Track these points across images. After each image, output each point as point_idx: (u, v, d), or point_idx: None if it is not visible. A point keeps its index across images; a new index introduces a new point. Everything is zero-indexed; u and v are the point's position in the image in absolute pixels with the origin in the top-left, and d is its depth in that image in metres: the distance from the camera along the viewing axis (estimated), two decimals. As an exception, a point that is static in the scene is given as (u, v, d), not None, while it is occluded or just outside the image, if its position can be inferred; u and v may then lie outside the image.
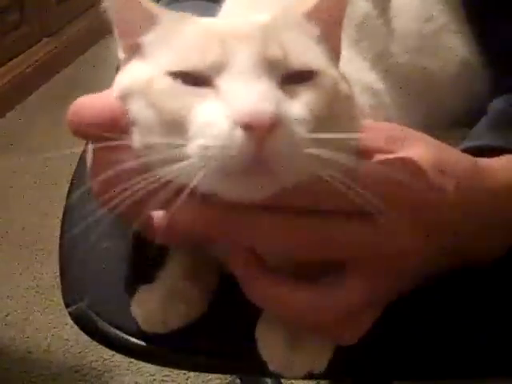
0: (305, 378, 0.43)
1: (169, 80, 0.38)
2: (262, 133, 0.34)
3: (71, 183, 0.64)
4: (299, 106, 0.37)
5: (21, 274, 1.45)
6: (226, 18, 0.54)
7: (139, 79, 0.39)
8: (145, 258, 0.49)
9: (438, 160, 0.42)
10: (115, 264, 0.51)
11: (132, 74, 0.40)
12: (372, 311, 0.42)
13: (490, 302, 0.48)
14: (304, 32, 0.41)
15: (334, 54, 0.43)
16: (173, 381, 1.22)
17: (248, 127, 0.34)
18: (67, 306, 0.50)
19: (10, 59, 2.07)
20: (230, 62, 0.37)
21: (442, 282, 0.45)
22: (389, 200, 0.38)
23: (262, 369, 0.43)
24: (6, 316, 1.35)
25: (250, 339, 0.44)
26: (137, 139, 0.38)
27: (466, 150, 0.48)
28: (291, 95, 0.37)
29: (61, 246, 0.56)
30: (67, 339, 1.28)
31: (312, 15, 0.41)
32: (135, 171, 0.36)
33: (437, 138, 0.56)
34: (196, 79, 0.37)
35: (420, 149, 0.42)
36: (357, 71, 0.52)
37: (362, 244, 0.40)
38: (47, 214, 1.55)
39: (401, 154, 0.41)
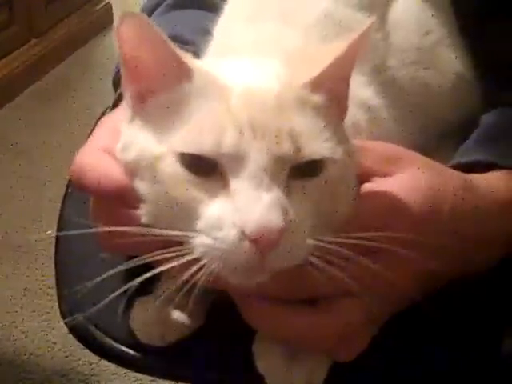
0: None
1: (178, 166, 0.38)
2: (267, 247, 0.36)
3: (66, 190, 0.64)
4: (304, 210, 0.38)
5: (8, 278, 1.44)
6: (224, 38, 0.54)
7: (147, 154, 0.39)
8: (141, 269, 0.49)
9: (433, 182, 0.43)
10: (112, 274, 0.51)
11: (139, 146, 0.40)
12: (370, 329, 0.43)
13: (488, 311, 0.49)
14: (310, 108, 0.40)
15: (341, 112, 0.43)
16: (159, 386, 1.22)
17: (255, 241, 0.36)
18: (64, 316, 0.50)
19: (-1, 59, 2.06)
20: (244, 159, 0.37)
21: (438, 295, 0.45)
22: (388, 229, 0.39)
23: (259, 382, 0.43)
24: (-7, 319, 1.35)
25: (248, 352, 0.44)
26: (144, 215, 0.40)
27: (456, 165, 0.49)
28: (297, 194, 0.38)
29: (56, 255, 0.56)
30: (54, 343, 1.28)
31: (318, 83, 0.41)
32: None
33: (430, 149, 0.57)
34: (207, 163, 0.38)
35: (414, 169, 0.44)
36: (354, 87, 0.52)
37: (374, 283, 0.41)
38: (34, 218, 1.54)
39: (398, 176, 0.42)
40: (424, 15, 0.62)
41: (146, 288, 0.47)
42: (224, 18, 0.57)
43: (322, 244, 0.37)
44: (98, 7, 2.38)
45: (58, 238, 0.58)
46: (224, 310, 0.43)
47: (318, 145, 0.39)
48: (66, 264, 0.55)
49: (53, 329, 1.27)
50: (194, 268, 0.37)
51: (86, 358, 1.24)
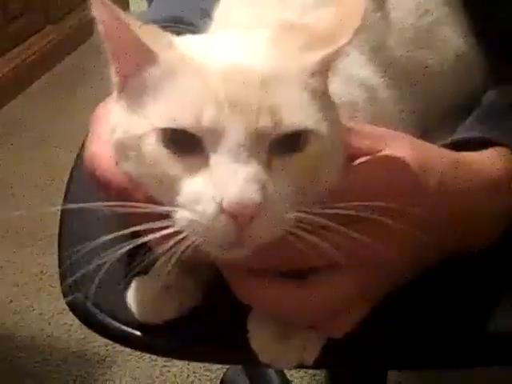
0: (295, 368, 0.44)
1: (159, 144, 0.39)
2: (244, 221, 0.36)
3: (71, 173, 0.64)
4: (284, 183, 0.38)
5: (24, 262, 1.47)
6: (223, 20, 0.54)
7: (130, 134, 0.40)
8: (141, 250, 0.50)
9: (420, 157, 0.44)
10: (112, 255, 0.52)
11: (123, 127, 0.41)
12: (361, 305, 0.43)
13: (480, 291, 0.49)
14: (302, 87, 0.40)
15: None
16: (174, 366, 1.23)
17: (232, 216, 0.36)
18: (65, 295, 0.51)
19: (14, 47, 2.08)
20: (223, 133, 0.37)
21: (432, 272, 0.46)
22: (376, 200, 0.40)
23: (253, 360, 0.43)
24: (10, 302, 1.37)
25: (243, 330, 0.44)
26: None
27: (454, 143, 0.49)
28: (278, 167, 0.38)
29: (59, 236, 0.57)
30: (71, 325, 1.30)
31: (317, 68, 0.41)
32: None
33: (431, 129, 0.57)
34: (187, 137, 0.38)
35: (404, 147, 0.44)
36: (352, 66, 0.52)
37: (361, 253, 0.41)
38: (50, 200, 1.56)
39: (386, 152, 0.43)
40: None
41: (145, 268, 0.48)
42: (222, 4, 0.57)
43: (303, 215, 0.38)
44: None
45: (61, 218, 0.59)
46: (220, 289, 0.44)
47: (300, 117, 0.39)
48: (68, 245, 0.55)
49: (69, 311, 1.29)
50: (176, 239, 0.38)
51: (101, 340, 1.25)
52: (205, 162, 0.38)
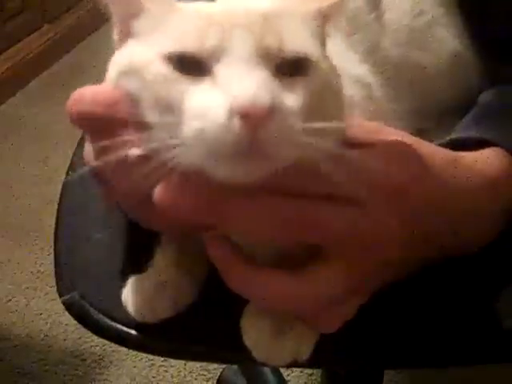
0: (289, 366, 0.44)
1: (164, 65, 0.38)
2: (258, 121, 0.35)
3: (67, 173, 0.65)
4: (293, 98, 0.38)
5: (21, 261, 1.47)
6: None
7: (136, 60, 0.40)
8: (136, 249, 0.50)
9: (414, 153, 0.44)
10: (108, 254, 0.52)
11: (129, 55, 0.41)
12: (355, 300, 0.43)
13: (477, 289, 0.49)
14: (304, 25, 0.41)
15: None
16: (171, 365, 1.23)
17: (244, 117, 0.35)
18: (61, 295, 0.51)
19: (11, 46, 2.08)
20: (228, 49, 0.37)
21: (428, 270, 0.46)
22: (371, 188, 0.40)
23: (247, 357, 0.43)
24: (7, 301, 1.37)
25: (238, 328, 0.44)
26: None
27: (451, 142, 0.49)
28: (285, 86, 0.38)
29: (55, 235, 0.57)
30: (67, 324, 1.30)
31: (320, 15, 0.42)
32: (139, 161, 0.37)
33: (428, 129, 0.57)
34: (192, 63, 0.38)
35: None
36: (348, 64, 0.52)
37: (346, 227, 0.41)
38: (49, 200, 1.56)
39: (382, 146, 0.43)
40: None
41: (141, 266, 0.48)
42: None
43: (315, 137, 0.36)
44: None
45: (58, 217, 0.59)
46: (216, 287, 0.44)
47: (303, 43, 0.39)
48: (64, 244, 0.56)
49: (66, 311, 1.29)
50: (178, 151, 0.36)
51: (98, 339, 1.25)
52: (213, 78, 0.37)
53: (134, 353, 1.24)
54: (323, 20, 0.42)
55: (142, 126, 0.38)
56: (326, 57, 0.42)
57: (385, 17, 0.59)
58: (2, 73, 2.01)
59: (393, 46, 0.58)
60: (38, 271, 1.43)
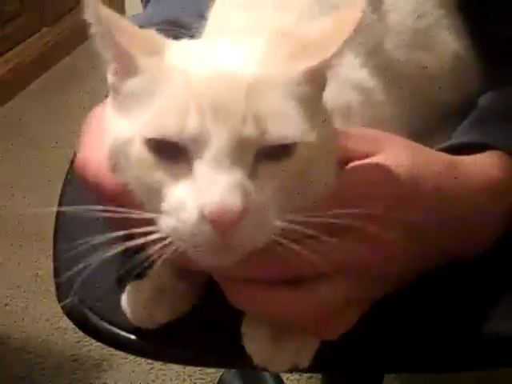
0: (290, 371, 0.44)
1: (145, 150, 0.39)
2: (226, 228, 0.36)
3: (66, 177, 0.64)
4: (268, 192, 0.38)
5: (20, 265, 1.47)
6: (218, 23, 0.54)
7: (120, 140, 0.40)
8: (136, 254, 0.50)
9: (417, 161, 0.44)
10: (107, 259, 0.52)
11: (114, 132, 0.41)
12: (356, 308, 0.43)
13: (476, 293, 0.49)
14: (289, 97, 0.39)
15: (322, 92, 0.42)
16: (170, 369, 1.23)
17: (213, 222, 0.36)
18: (60, 299, 0.51)
19: (10, 49, 2.08)
20: (207, 142, 0.37)
21: (430, 275, 0.46)
22: (368, 205, 0.40)
23: (247, 363, 0.43)
24: (5, 306, 1.37)
25: (237, 334, 0.44)
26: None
27: (452, 147, 0.49)
28: (264, 175, 0.38)
29: (55, 240, 0.57)
30: (66, 328, 1.29)
31: (304, 78, 0.40)
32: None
33: (428, 132, 0.57)
34: (171, 147, 0.38)
35: (400, 150, 0.44)
36: (347, 68, 0.52)
37: (346, 257, 0.41)
38: (46, 203, 1.55)
39: (381, 155, 0.43)
40: (421, -3, 0.62)
41: (140, 272, 0.48)
42: (218, 1, 0.57)
43: (287, 224, 0.38)
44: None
45: (57, 221, 0.59)
46: (214, 292, 0.44)
47: (287, 129, 0.38)
48: (63, 249, 0.55)
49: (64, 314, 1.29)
50: (160, 245, 0.38)
51: (97, 343, 1.25)
52: (189, 169, 0.38)
53: (133, 357, 1.24)
54: (313, 80, 0.40)
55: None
56: (314, 125, 0.40)
57: (387, 18, 0.58)
58: (2, 75, 2.01)
59: (395, 48, 0.58)
60: (37, 274, 1.43)
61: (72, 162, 0.64)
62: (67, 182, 0.63)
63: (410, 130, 0.54)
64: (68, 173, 0.64)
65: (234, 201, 0.36)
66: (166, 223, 0.38)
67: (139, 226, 0.39)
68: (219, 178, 0.37)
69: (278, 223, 0.38)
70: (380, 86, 0.55)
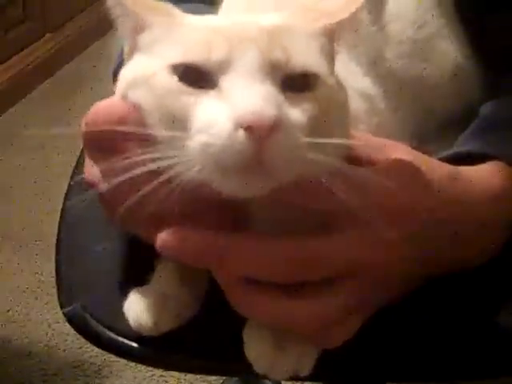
0: (291, 379, 0.44)
1: (169, 76, 0.39)
2: (262, 135, 0.35)
3: (69, 184, 0.65)
4: (298, 113, 0.38)
5: (22, 270, 1.46)
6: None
7: (143, 72, 0.40)
8: (138, 261, 0.50)
9: (417, 169, 0.44)
10: (110, 266, 0.52)
11: (136, 68, 0.42)
12: (356, 319, 0.43)
13: (478, 303, 0.49)
14: (312, 41, 0.41)
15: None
16: (171, 376, 1.23)
17: (249, 129, 0.35)
18: (62, 306, 0.51)
19: (13, 55, 2.08)
20: (235, 63, 0.38)
21: (429, 284, 0.46)
22: (376, 209, 0.40)
23: (248, 370, 0.43)
24: (7, 312, 1.37)
25: (239, 341, 0.44)
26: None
27: (452, 157, 0.49)
28: (291, 101, 0.38)
29: (57, 247, 0.57)
30: (67, 335, 1.29)
31: (325, 32, 0.42)
32: (146, 178, 0.37)
33: (429, 141, 0.57)
34: (198, 74, 0.38)
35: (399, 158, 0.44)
36: (351, 76, 0.52)
37: (347, 261, 0.41)
38: (48, 211, 1.56)
39: (385, 163, 0.43)
40: (422, 7, 0.62)
41: (142, 279, 0.48)
42: (222, 10, 0.57)
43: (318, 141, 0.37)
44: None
45: (59, 230, 0.59)
46: (216, 300, 0.44)
47: (310, 61, 0.40)
48: (65, 255, 0.56)
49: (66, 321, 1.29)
50: (184, 167, 0.36)
51: (98, 350, 1.25)
52: (218, 91, 0.38)
53: (134, 363, 1.24)
54: (331, 37, 0.43)
55: (150, 140, 0.38)
56: (333, 73, 0.42)
57: (388, 28, 0.59)
58: (4, 82, 2.01)
59: (396, 58, 0.58)
60: (39, 280, 1.43)
61: (74, 171, 0.65)
62: (70, 189, 0.63)
63: (411, 138, 0.54)
64: (71, 180, 0.64)
65: (270, 108, 0.36)
66: (196, 141, 0.36)
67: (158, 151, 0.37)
68: (252, 89, 0.36)
69: (310, 154, 0.37)
70: (381, 95, 0.56)
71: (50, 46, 2.21)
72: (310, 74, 0.40)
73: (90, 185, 0.44)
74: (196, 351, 0.47)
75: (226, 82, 0.37)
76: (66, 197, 0.63)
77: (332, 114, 0.40)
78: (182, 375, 1.23)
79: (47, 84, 2.16)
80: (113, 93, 0.43)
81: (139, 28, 0.42)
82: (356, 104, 0.50)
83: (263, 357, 0.43)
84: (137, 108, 0.40)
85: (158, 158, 0.37)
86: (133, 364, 1.24)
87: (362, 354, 0.46)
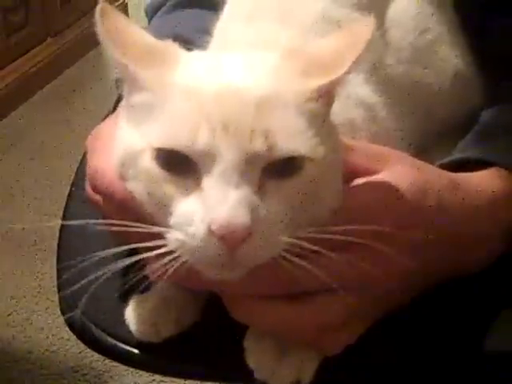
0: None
1: (154, 163, 0.39)
2: (234, 243, 0.37)
3: (70, 189, 0.65)
4: (277, 205, 0.38)
5: (22, 274, 1.47)
6: (222, 37, 0.54)
7: (130, 149, 0.41)
8: (139, 267, 0.50)
9: (419, 178, 0.44)
10: (110, 273, 0.52)
11: (125, 142, 0.42)
12: (358, 323, 0.43)
13: (480, 312, 0.49)
14: (298, 113, 0.40)
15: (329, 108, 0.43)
16: (171, 381, 1.23)
17: (222, 239, 0.36)
18: (63, 312, 0.51)
19: (14, 59, 2.08)
20: (216, 157, 0.37)
21: (432, 292, 0.46)
22: (374, 222, 0.40)
23: (249, 377, 0.43)
24: (8, 316, 1.37)
25: (240, 348, 0.44)
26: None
27: (452, 163, 0.49)
28: (272, 190, 0.38)
29: (58, 253, 0.57)
30: (68, 339, 1.29)
31: (314, 95, 0.40)
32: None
33: (429, 147, 0.57)
34: (182, 158, 0.38)
35: (403, 168, 0.44)
36: (351, 85, 0.52)
37: (348, 276, 0.41)
38: (48, 214, 1.56)
39: (385, 172, 0.43)
40: (422, 13, 0.62)
41: (144, 286, 0.48)
42: (223, 17, 0.57)
43: (296, 241, 0.38)
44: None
45: (60, 236, 0.59)
46: (217, 307, 0.44)
47: (295, 143, 0.39)
48: (67, 261, 0.55)
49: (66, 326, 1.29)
50: (169, 258, 0.38)
51: (99, 355, 1.25)
52: (198, 184, 0.38)
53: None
54: (326, 99, 0.41)
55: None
56: (323, 140, 0.40)
57: (389, 34, 0.59)
58: (6, 86, 2.02)
59: (397, 64, 0.58)
60: (39, 285, 1.43)
61: (75, 176, 0.65)
62: (71, 196, 0.63)
63: (411, 145, 0.54)
64: (72, 186, 0.64)
65: (242, 217, 0.36)
66: (173, 237, 0.38)
67: (146, 240, 0.39)
68: (227, 193, 0.37)
69: (285, 239, 0.38)
70: (382, 102, 0.56)
71: (52, 51, 2.22)
72: (295, 156, 0.39)
73: (92, 202, 0.45)
74: (196, 358, 0.47)
75: (205, 178, 0.38)
76: (67, 204, 0.63)
77: (322, 185, 0.40)
78: (181, 381, 1.22)
79: (49, 88, 2.17)
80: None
81: (131, 83, 0.42)
82: (354, 112, 0.50)
83: (264, 364, 0.44)
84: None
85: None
86: (133, 369, 1.24)
87: (362, 361, 0.46)
